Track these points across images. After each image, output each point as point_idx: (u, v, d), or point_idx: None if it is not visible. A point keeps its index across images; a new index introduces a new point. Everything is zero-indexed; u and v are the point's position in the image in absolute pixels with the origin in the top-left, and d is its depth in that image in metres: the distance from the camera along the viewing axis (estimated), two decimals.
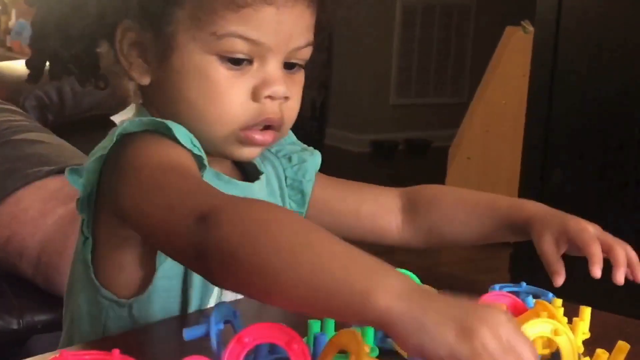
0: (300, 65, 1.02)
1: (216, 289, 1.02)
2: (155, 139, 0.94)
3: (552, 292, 1.01)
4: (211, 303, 1.02)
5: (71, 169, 0.98)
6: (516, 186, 3.24)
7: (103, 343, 0.91)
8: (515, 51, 3.71)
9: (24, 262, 1.80)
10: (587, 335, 0.94)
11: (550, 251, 1.05)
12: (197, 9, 0.95)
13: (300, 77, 1.02)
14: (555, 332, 0.83)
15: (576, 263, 1.08)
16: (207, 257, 0.79)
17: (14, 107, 2.28)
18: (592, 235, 1.05)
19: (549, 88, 3.07)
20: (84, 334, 1.03)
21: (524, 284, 1.03)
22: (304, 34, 0.99)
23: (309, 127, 5.94)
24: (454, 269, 3.57)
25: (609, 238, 1.06)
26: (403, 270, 1.00)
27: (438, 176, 4.02)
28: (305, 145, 1.16)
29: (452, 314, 0.69)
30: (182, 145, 0.93)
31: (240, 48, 0.96)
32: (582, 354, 0.90)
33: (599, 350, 0.84)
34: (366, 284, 0.72)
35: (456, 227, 1.16)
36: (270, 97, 0.98)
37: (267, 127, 1.00)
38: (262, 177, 1.09)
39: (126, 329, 1.00)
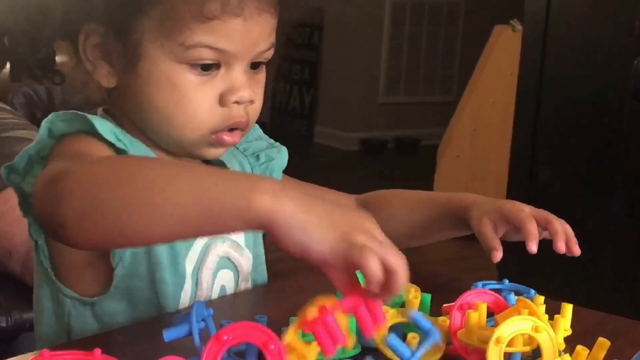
0: (263, 65, 1.04)
1: (188, 288, 1.02)
2: (79, 141, 0.94)
3: (535, 290, 1.02)
4: (184, 302, 1.02)
5: (6, 167, 0.98)
6: (504, 185, 3.25)
7: (85, 343, 0.91)
8: (503, 50, 3.72)
9: (13, 260, 1.80)
10: (569, 332, 0.95)
11: (488, 231, 1.08)
12: (165, 19, 0.96)
13: (263, 75, 1.04)
14: (536, 329, 0.83)
15: (556, 261, 1.10)
16: (62, 216, 0.80)
17: (2, 105, 2.28)
18: (527, 214, 1.07)
19: (537, 87, 3.08)
20: (49, 333, 1.04)
21: (506, 281, 1.03)
22: (268, 38, 1.01)
23: (298, 125, 5.95)
24: (440, 267, 3.57)
25: (545, 213, 1.09)
26: None
27: (427, 174, 4.02)
28: (271, 141, 1.18)
29: (332, 217, 0.75)
30: (107, 140, 0.94)
31: (207, 56, 0.97)
32: (563, 350, 0.90)
33: (579, 347, 0.85)
34: (247, 187, 0.76)
35: (401, 224, 1.19)
36: (236, 102, 1.00)
37: (234, 128, 1.02)
38: None
39: (91, 328, 1.00)
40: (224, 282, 1.07)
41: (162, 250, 1.00)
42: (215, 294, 1.06)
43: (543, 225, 1.07)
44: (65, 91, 2.57)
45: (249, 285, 1.11)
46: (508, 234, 1.10)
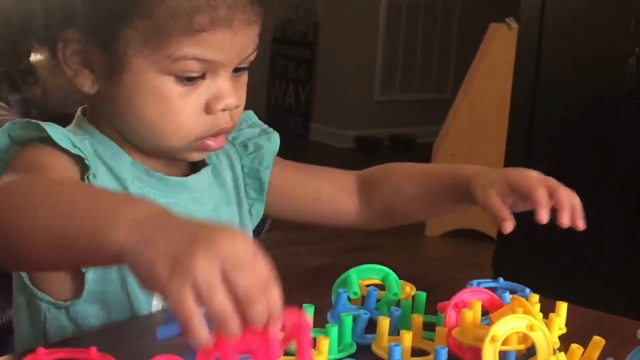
0: (246, 67, 1.03)
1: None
2: (34, 151, 0.94)
3: (530, 288, 1.02)
4: (157, 304, 1.01)
5: None
6: None
7: (80, 340, 0.91)
8: (499, 48, 3.72)
9: None
10: (564, 331, 0.95)
11: (495, 202, 0.99)
12: (151, 32, 0.94)
13: (245, 78, 1.03)
14: (531, 328, 0.83)
15: (553, 259, 1.09)
16: None
17: None
18: (536, 180, 1.01)
19: (532, 85, 3.08)
20: (25, 335, 1.04)
21: (501, 279, 1.03)
22: (253, 44, 1.01)
23: (294, 122, 5.94)
24: (436, 265, 3.58)
25: (552, 181, 1.01)
26: (380, 267, 1.01)
27: None
28: (265, 126, 1.16)
29: (172, 247, 0.67)
30: (63, 148, 0.94)
31: (194, 68, 0.96)
32: (558, 349, 0.90)
33: (573, 346, 0.85)
34: (105, 219, 0.72)
35: (406, 200, 1.15)
36: (223, 109, 0.99)
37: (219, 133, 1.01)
38: (205, 170, 1.08)
39: (66, 331, 1.00)
40: None
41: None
42: None
43: (550, 194, 0.99)
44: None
45: None
46: (515, 204, 1.02)
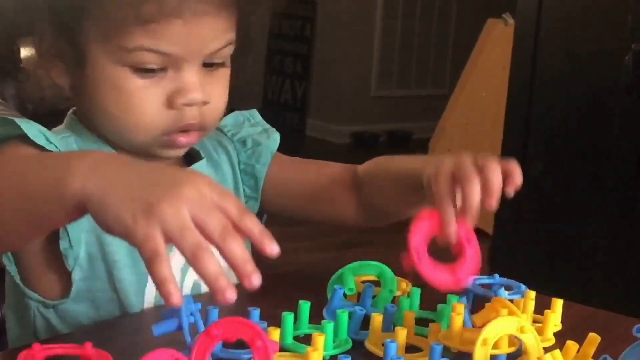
0: (222, 62, 1.00)
1: (152, 285, 1.01)
2: (11, 148, 0.93)
3: (524, 283, 1.02)
4: (149, 299, 1.01)
5: None
6: None
7: (75, 336, 0.91)
8: (496, 44, 3.72)
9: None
10: (559, 327, 0.95)
11: (438, 193, 0.92)
12: (105, 23, 0.94)
13: (222, 74, 1.01)
14: (521, 330, 0.83)
15: (548, 254, 1.09)
16: None
17: None
18: (470, 169, 0.92)
19: (529, 81, 3.08)
20: (16, 333, 1.04)
21: (497, 276, 1.03)
22: (219, 37, 0.97)
23: (290, 117, 5.94)
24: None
25: (483, 161, 0.93)
26: (376, 263, 1.01)
27: None
28: (267, 126, 1.15)
29: (138, 191, 0.68)
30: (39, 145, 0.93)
31: (150, 60, 0.94)
32: (553, 345, 0.91)
33: (569, 342, 0.85)
34: (59, 171, 0.73)
35: (385, 200, 1.09)
36: (186, 104, 0.96)
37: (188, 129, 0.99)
38: (199, 164, 1.07)
39: (56, 330, 1.00)
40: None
41: (119, 249, 0.99)
42: (187, 290, 1.04)
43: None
44: (56, 83, 2.56)
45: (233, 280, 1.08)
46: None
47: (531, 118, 3.10)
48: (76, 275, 0.98)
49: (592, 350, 0.85)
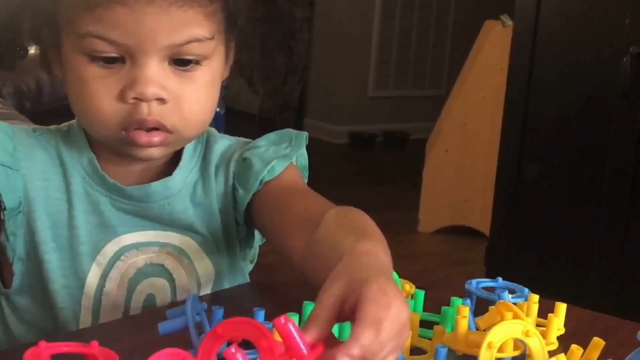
0: (198, 62, 0.95)
1: (91, 292, 1.02)
2: None
3: (522, 284, 1.02)
4: (86, 305, 1.01)
5: None
6: (492, 180, 3.26)
7: (81, 334, 0.92)
8: (493, 45, 3.72)
9: None
10: (562, 331, 0.96)
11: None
12: (65, 8, 0.94)
13: (199, 75, 0.96)
14: (526, 334, 0.84)
15: (545, 256, 1.08)
16: None
17: None
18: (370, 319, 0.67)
19: (526, 82, 3.08)
20: None
21: (500, 279, 1.03)
22: (179, 31, 0.93)
23: (287, 117, 5.94)
24: (429, 261, 3.59)
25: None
26: None
27: (415, 169, 4.03)
28: (288, 152, 1.05)
29: None
30: None
31: (102, 48, 0.92)
32: (557, 349, 0.91)
33: (573, 346, 0.85)
34: None
35: (315, 260, 0.90)
36: (137, 98, 0.93)
37: (154, 128, 0.95)
38: (164, 182, 1.02)
39: (9, 319, 1.03)
40: (154, 290, 1.03)
41: (50, 250, 1.00)
42: (138, 300, 1.03)
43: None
44: (53, 82, 2.56)
45: (195, 292, 1.04)
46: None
47: (528, 120, 3.10)
48: (17, 269, 0.99)
49: (596, 355, 0.85)
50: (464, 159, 3.89)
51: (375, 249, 0.77)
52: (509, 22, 3.49)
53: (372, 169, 5.19)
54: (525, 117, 3.11)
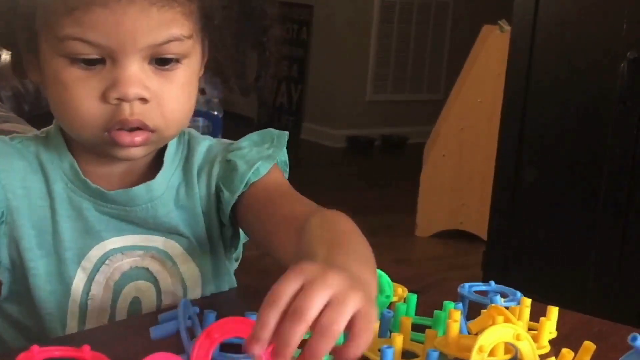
0: (177, 60, 0.95)
1: (77, 297, 1.01)
2: None
3: (517, 288, 1.03)
4: (72, 309, 1.01)
5: None
6: (490, 185, 3.26)
7: (73, 339, 0.92)
8: (491, 50, 3.73)
9: None
10: (554, 335, 0.96)
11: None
12: (43, 11, 0.94)
13: (179, 74, 0.96)
14: (517, 337, 0.84)
15: (541, 260, 1.08)
16: None
17: None
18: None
19: (524, 87, 3.09)
20: None
21: (492, 282, 1.04)
22: (158, 31, 0.92)
23: (285, 121, 5.94)
24: (426, 265, 3.59)
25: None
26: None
27: (413, 173, 4.03)
28: (271, 152, 1.06)
29: None
30: None
31: (83, 50, 0.92)
32: (549, 353, 0.91)
33: (564, 350, 0.85)
34: None
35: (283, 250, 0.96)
36: (119, 99, 0.93)
37: (136, 128, 0.94)
38: (147, 185, 1.02)
39: (1, 327, 1.03)
40: (139, 293, 1.03)
41: (35, 258, 1.00)
42: (123, 304, 1.03)
43: None
44: None
45: (177, 300, 1.03)
46: None
47: (526, 125, 3.11)
48: (3, 278, 0.99)
49: (587, 358, 0.85)
50: (461, 163, 3.89)
51: (346, 262, 0.76)
52: (507, 27, 3.50)
53: (370, 173, 5.19)
54: (523, 122, 3.11)
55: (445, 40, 6.07)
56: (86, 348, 0.76)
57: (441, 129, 3.93)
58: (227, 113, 3.55)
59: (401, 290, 1.03)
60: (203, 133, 1.13)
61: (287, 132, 1.10)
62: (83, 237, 1.01)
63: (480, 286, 1.03)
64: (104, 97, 0.93)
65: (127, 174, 1.03)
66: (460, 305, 0.98)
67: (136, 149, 0.96)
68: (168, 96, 0.95)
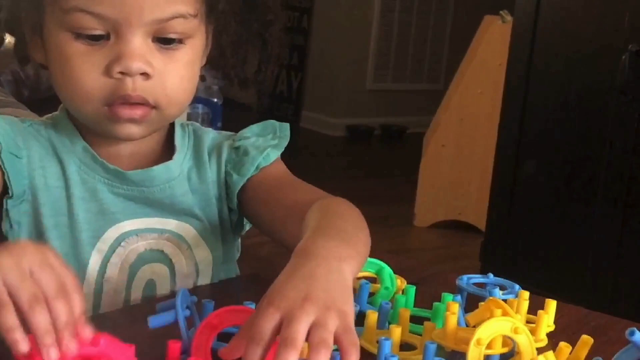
0: (181, 40, 0.96)
1: (92, 278, 1.01)
2: None
3: (515, 279, 1.03)
4: (87, 292, 1.01)
5: None
6: (489, 176, 3.26)
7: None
8: (492, 40, 3.72)
9: None
10: (552, 328, 0.96)
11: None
12: None
13: (182, 53, 0.97)
14: (515, 331, 0.84)
15: (539, 251, 1.08)
16: None
17: None
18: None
19: (525, 78, 3.09)
20: None
21: (491, 275, 1.04)
22: (162, 7, 0.93)
23: (285, 109, 5.94)
24: (424, 256, 3.59)
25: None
26: (375, 260, 1.01)
27: (413, 162, 4.03)
28: (274, 142, 1.08)
29: None
30: None
31: (88, 23, 0.92)
32: (546, 346, 0.91)
33: (562, 344, 0.85)
34: None
35: (284, 232, 1.01)
36: (122, 72, 0.93)
37: (137, 103, 0.95)
38: (166, 165, 1.03)
39: None
40: (154, 275, 1.04)
41: (53, 238, 1.00)
42: (138, 286, 1.03)
43: None
44: None
45: (191, 283, 1.06)
46: None
47: (526, 116, 3.11)
48: None
49: (584, 352, 0.85)
50: (461, 153, 3.89)
51: (325, 244, 0.81)
52: (509, 18, 3.49)
53: (369, 162, 5.19)
54: (523, 113, 3.11)
55: (446, 30, 6.06)
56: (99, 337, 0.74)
57: (441, 119, 3.93)
58: (226, 100, 3.55)
59: (400, 282, 1.03)
60: (202, 120, 1.14)
61: (287, 124, 1.11)
62: (98, 218, 1.01)
63: (478, 278, 1.03)
64: (107, 71, 0.94)
65: (134, 159, 1.03)
66: (458, 297, 0.98)
67: (135, 126, 0.97)
68: (171, 74, 0.96)
